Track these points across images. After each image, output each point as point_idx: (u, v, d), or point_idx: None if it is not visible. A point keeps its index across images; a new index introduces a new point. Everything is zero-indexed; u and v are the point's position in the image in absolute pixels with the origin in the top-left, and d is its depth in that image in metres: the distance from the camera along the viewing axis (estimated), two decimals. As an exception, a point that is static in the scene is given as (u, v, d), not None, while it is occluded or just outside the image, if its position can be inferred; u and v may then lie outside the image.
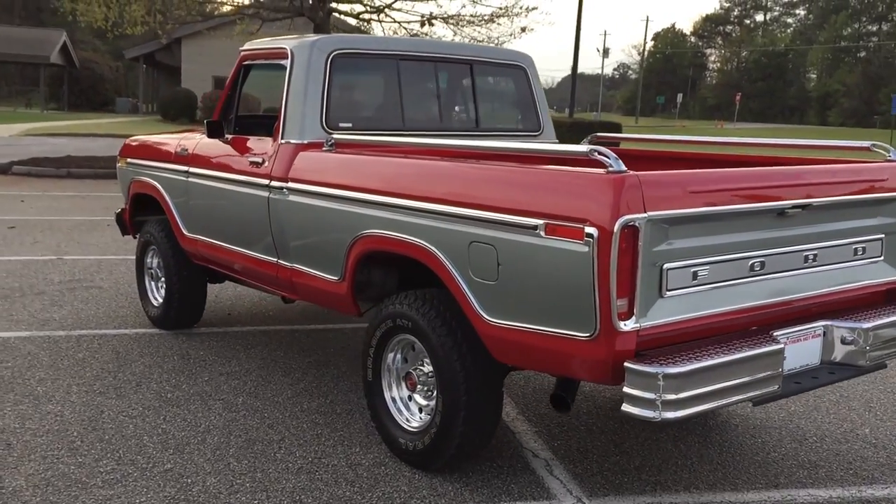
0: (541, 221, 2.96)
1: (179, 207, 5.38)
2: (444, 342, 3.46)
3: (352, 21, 18.56)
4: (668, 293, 2.94)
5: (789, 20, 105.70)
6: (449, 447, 3.52)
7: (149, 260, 5.96)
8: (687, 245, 2.97)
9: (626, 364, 2.82)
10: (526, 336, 3.12)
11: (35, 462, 3.72)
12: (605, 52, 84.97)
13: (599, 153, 2.91)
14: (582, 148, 3.02)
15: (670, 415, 2.79)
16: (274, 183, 4.38)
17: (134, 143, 6.10)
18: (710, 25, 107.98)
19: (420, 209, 3.46)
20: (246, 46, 5.05)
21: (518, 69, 5.23)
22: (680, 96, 72.48)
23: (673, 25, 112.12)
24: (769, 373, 3.01)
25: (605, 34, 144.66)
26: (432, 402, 3.66)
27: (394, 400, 3.85)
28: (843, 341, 3.37)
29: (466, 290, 3.30)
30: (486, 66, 5.09)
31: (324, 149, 4.23)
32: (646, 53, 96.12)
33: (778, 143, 4.82)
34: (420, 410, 3.78)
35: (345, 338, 5.79)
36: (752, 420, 4.40)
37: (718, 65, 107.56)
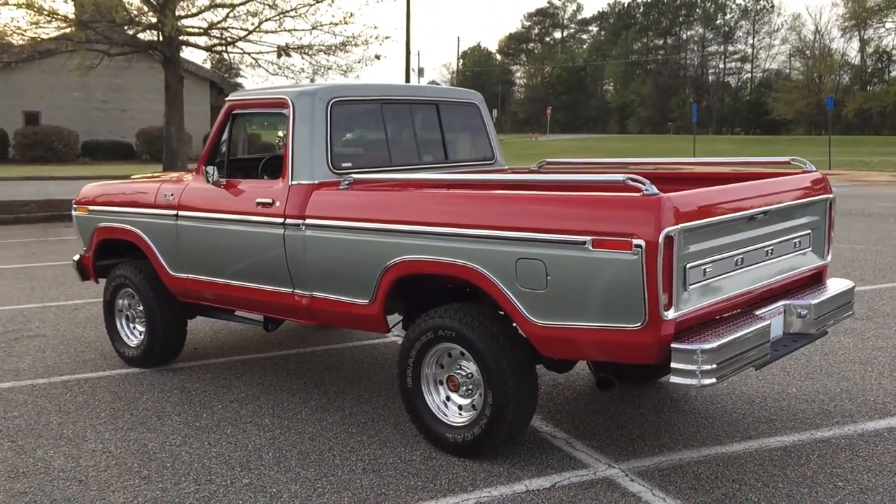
0: (589, 238, 3.68)
1: (165, 249, 5.66)
2: (489, 346, 4.10)
3: (204, 54, 18.60)
4: (690, 287, 3.74)
5: (584, 36, 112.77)
6: (500, 434, 4.16)
7: (121, 302, 6.16)
8: (699, 248, 3.79)
9: (672, 345, 3.59)
10: (574, 332, 3.82)
11: (118, 493, 4.00)
12: (420, 72, 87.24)
13: (633, 180, 3.68)
14: (618, 176, 3.77)
15: (707, 381, 3.59)
16: (289, 221, 4.84)
17: (96, 191, 6.28)
18: (514, 44, 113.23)
19: (465, 235, 4.08)
20: (233, 96, 5.46)
21: (472, 106, 5.95)
22: (494, 112, 75.67)
23: (479, 44, 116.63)
24: (764, 341, 3.88)
25: (418, 54, 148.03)
26: (473, 399, 4.29)
27: (434, 402, 4.43)
28: (799, 315, 4.32)
29: (514, 299, 3.96)
30: (448, 104, 5.77)
31: (341, 187, 4.75)
32: (456, 72, 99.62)
33: (718, 160, 5.80)
34: (460, 408, 4.38)
35: (322, 359, 6.25)
36: (704, 390, 5.31)
37: (525, 80, 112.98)
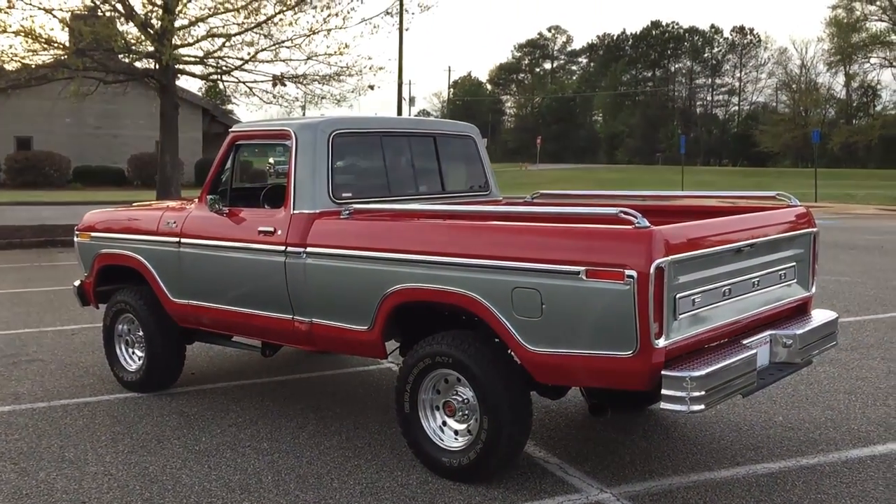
0: (582, 268, 3.83)
1: (167, 276, 5.78)
2: (485, 372, 4.23)
3: (199, 82, 18.81)
4: (679, 316, 3.89)
5: (574, 68, 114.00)
6: (495, 458, 4.27)
7: (121, 327, 6.26)
8: (688, 279, 3.94)
9: (663, 372, 3.73)
10: (568, 359, 3.96)
11: (121, 514, 4.09)
12: (412, 101, 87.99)
13: (626, 213, 3.84)
14: (611, 210, 3.93)
15: (696, 407, 3.72)
16: (290, 248, 4.98)
17: (98, 218, 6.40)
18: (504, 74, 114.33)
19: (463, 264, 4.22)
20: (236, 127, 5.63)
21: (468, 139, 6.13)
22: (485, 141, 76.09)
23: (470, 74, 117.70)
24: (751, 370, 4.02)
25: (409, 84, 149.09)
26: (469, 424, 4.40)
27: (430, 427, 4.55)
28: (784, 345, 4.47)
29: (510, 327, 4.10)
30: (445, 137, 5.94)
31: (342, 216, 4.89)
32: (447, 101, 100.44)
33: (706, 194, 5.98)
34: (456, 433, 4.50)
35: (318, 385, 6.35)
36: (693, 418, 5.44)
37: (515, 110, 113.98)
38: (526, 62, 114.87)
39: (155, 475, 4.57)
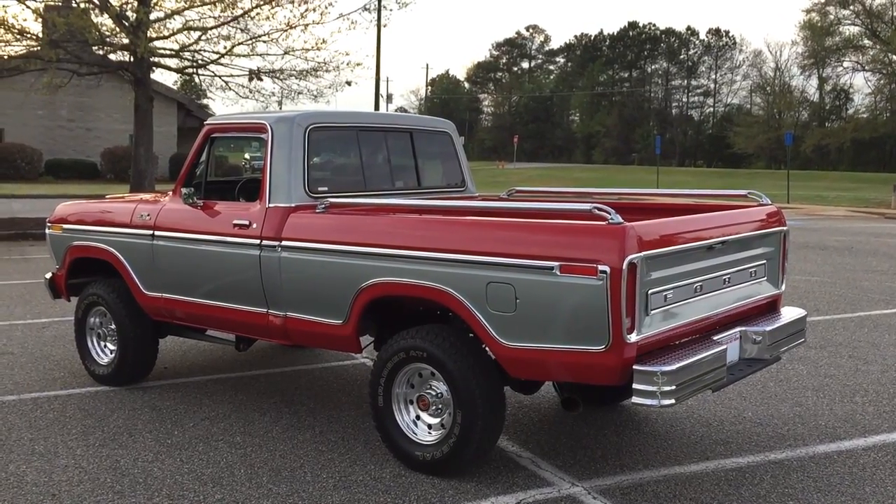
0: (556, 263, 3.85)
1: (140, 269, 5.74)
2: (459, 366, 4.25)
3: (174, 76, 18.66)
4: (651, 312, 3.93)
5: (552, 67, 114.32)
6: (468, 452, 4.29)
7: (93, 320, 6.21)
8: (661, 275, 3.98)
9: (634, 366, 3.76)
10: (542, 354, 3.99)
11: (92, 507, 4.07)
12: (389, 98, 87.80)
13: (599, 209, 3.87)
14: (585, 206, 3.96)
15: (667, 401, 3.76)
16: (265, 242, 4.97)
17: (71, 210, 6.35)
18: (482, 72, 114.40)
19: (438, 259, 4.24)
20: (212, 120, 5.60)
21: (444, 135, 6.14)
22: (462, 139, 76.15)
23: (447, 72, 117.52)
24: (721, 365, 4.07)
25: (387, 81, 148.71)
26: (442, 418, 4.42)
27: (404, 421, 4.56)
28: (754, 341, 4.52)
29: (484, 321, 4.12)
30: (421, 133, 5.95)
31: (318, 210, 4.89)
32: (425, 99, 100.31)
33: (679, 192, 6.04)
34: (429, 427, 4.51)
35: (293, 379, 6.34)
36: (666, 412, 5.49)
37: (493, 109, 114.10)
38: (504, 61, 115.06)
39: (126, 468, 4.55)
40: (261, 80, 17.28)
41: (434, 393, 4.44)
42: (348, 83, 18.07)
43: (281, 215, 4.96)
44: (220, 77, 19.07)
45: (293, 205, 4.98)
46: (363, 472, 4.51)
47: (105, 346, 6.20)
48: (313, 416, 5.45)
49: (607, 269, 3.71)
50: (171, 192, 5.81)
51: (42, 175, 35.56)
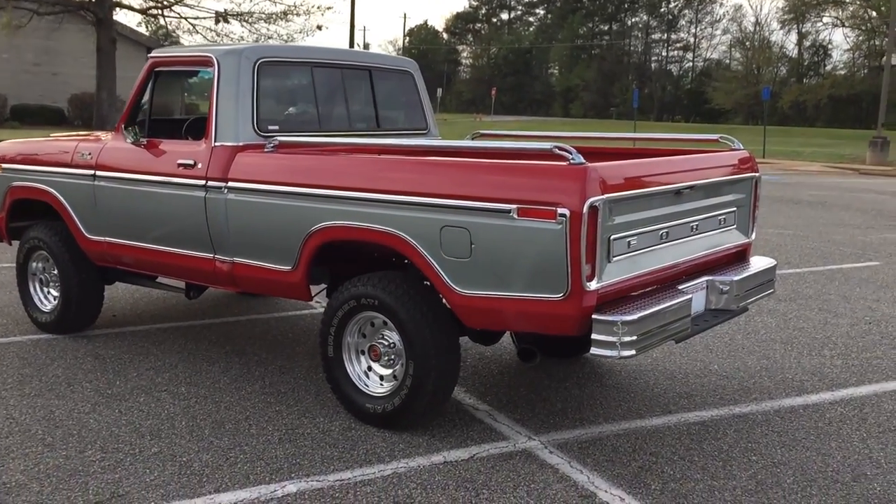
0: (513, 206, 3.61)
1: (81, 211, 5.44)
2: (412, 315, 4.02)
3: (137, 16, 18.06)
4: (614, 259, 3.71)
5: (531, 19, 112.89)
6: (420, 405, 4.09)
7: (35, 265, 5.91)
8: (624, 220, 3.75)
9: (593, 316, 3.55)
10: (498, 302, 3.76)
11: (19, 460, 3.83)
12: (366, 47, 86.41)
13: (560, 149, 3.62)
14: (545, 145, 3.71)
15: (626, 352, 3.56)
16: (211, 183, 4.68)
17: (11, 149, 6.00)
18: (460, 23, 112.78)
19: (389, 201, 3.98)
20: (156, 53, 5.26)
21: (407, 74, 5.83)
22: (439, 91, 75.32)
23: (426, 22, 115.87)
24: (685, 315, 3.87)
25: (364, 30, 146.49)
26: (394, 369, 4.21)
27: (355, 372, 4.34)
28: (721, 291, 4.33)
29: (438, 268, 3.88)
30: (381, 71, 5.64)
31: (266, 150, 4.60)
32: (402, 50, 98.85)
33: (648, 136, 5.79)
34: (381, 378, 4.30)
35: (246, 328, 6.10)
36: (630, 364, 5.32)
37: (471, 61, 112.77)
38: (483, 11, 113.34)
39: (60, 419, 4.31)
40: (228, 22, 16.78)
41: (386, 343, 4.23)
42: (319, 27, 17.66)
43: (227, 155, 4.67)
44: (186, 19, 18.52)
45: (240, 144, 4.69)
46: (311, 424, 4.31)
47: (48, 292, 5.91)
48: (264, 366, 5.23)
49: (567, 212, 3.48)
50: (114, 131, 5.49)
51: (7, 120, 34.59)
